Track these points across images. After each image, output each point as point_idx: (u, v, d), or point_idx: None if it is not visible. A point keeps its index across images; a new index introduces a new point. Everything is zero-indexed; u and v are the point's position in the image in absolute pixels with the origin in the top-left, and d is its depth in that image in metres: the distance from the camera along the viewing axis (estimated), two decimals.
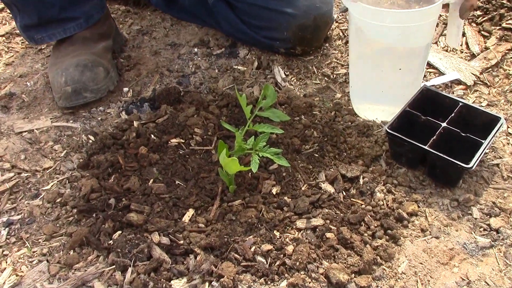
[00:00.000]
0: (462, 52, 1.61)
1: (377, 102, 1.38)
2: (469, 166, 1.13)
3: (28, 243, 1.15)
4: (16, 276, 1.09)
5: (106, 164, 1.28)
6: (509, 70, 1.53)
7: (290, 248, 1.08)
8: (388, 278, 1.05)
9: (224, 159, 1.10)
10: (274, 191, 1.21)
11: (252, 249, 1.08)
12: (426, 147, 1.17)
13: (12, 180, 1.30)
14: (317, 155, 1.30)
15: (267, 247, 1.08)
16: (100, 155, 1.32)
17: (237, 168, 1.11)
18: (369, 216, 1.14)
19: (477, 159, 1.15)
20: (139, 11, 1.94)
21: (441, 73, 1.54)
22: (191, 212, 1.17)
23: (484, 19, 1.70)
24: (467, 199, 1.18)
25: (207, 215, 1.16)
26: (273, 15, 1.55)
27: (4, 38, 1.83)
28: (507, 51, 1.59)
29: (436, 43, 1.65)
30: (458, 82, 1.50)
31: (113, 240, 1.11)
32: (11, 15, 1.67)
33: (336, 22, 1.79)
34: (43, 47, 1.77)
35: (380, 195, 1.19)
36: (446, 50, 1.62)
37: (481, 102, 1.44)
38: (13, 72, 1.66)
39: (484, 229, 1.13)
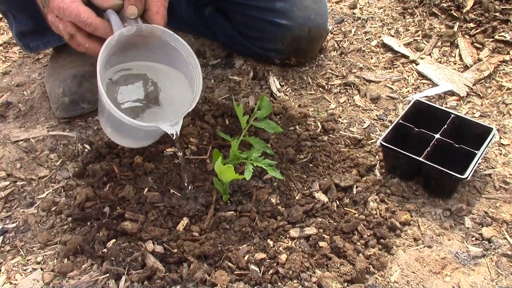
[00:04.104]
0: (456, 63, 1.63)
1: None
2: (464, 176, 1.14)
3: (23, 251, 1.16)
4: (10, 284, 1.09)
5: (101, 173, 1.29)
6: (501, 82, 1.54)
7: (283, 257, 1.08)
8: (381, 287, 1.05)
9: (219, 167, 1.11)
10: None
11: (246, 258, 1.08)
12: (421, 159, 1.18)
13: (7, 189, 1.30)
14: (311, 164, 1.31)
15: (260, 255, 1.09)
16: (96, 164, 1.33)
17: (232, 176, 1.11)
18: (362, 225, 1.15)
19: (472, 169, 1.16)
20: None
21: (434, 84, 1.56)
22: (185, 221, 1.17)
23: (477, 31, 1.72)
24: (459, 209, 1.19)
25: (201, 224, 1.16)
26: (268, 27, 1.57)
27: (1, 47, 1.84)
28: (499, 63, 1.60)
29: (430, 54, 1.67)
30: (452, 93, 1.52)
31: (107, 249, 1.12)
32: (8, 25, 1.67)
33: (331, 33, 1.81)
34: (40, 57, 1.78)
35: (373, 204, 1.20)
36: (440, 62, 1.64)
37: (474, 113, 1.45)
38: (10, 81, 1.67)
39: (476, 239, 1.14)
